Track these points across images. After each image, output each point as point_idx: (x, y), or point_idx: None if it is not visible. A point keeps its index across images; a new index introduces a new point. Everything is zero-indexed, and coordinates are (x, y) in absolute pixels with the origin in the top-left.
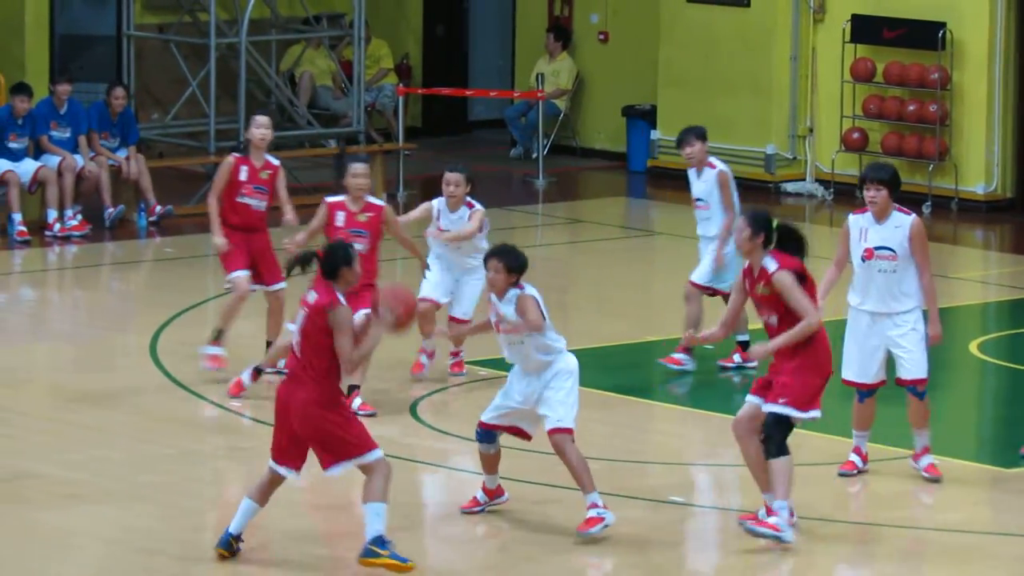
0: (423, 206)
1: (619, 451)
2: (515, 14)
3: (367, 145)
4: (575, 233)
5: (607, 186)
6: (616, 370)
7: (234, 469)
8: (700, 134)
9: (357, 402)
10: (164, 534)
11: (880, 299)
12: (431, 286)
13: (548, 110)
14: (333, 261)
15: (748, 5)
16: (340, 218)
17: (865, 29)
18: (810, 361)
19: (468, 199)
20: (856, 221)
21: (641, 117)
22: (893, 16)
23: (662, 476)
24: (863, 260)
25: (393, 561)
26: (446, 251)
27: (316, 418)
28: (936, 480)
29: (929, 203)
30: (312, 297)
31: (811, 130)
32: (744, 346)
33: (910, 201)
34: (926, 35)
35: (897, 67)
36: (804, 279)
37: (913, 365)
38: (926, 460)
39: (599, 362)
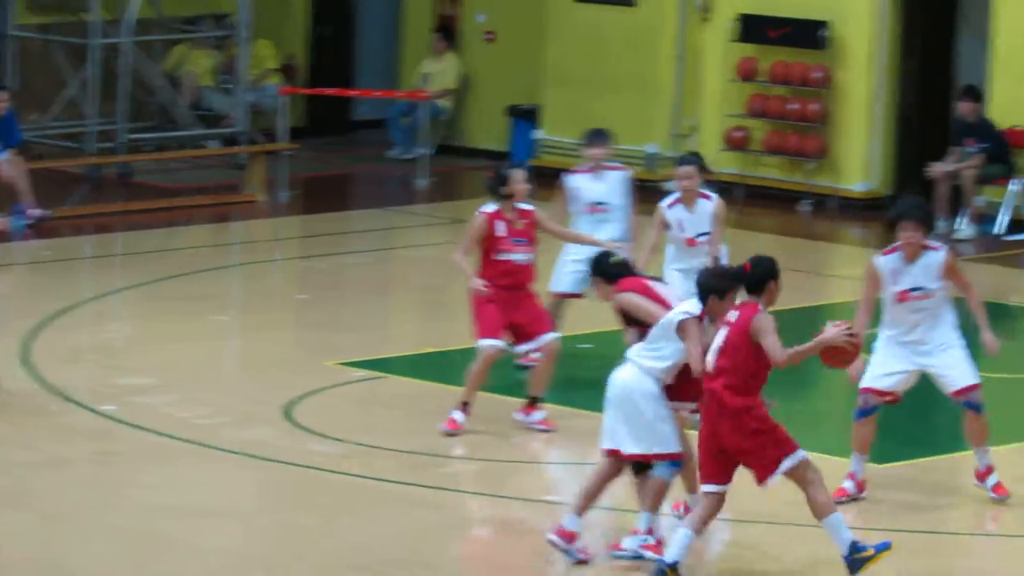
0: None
1: (495, 451)
2: (401, 14)
3: (249, 146)
4: (456, 233)
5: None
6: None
7: (102, 474)
8: (608, 136)
9: (540, 415)
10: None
11: (919, 333)
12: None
13: (433, 110)
14: (761, 275)
15: (635, 5)
16: (500, 228)
17: (751, 28)
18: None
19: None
20: (886, 263)
21: (524, 116)
22: (778, 15)
23: None
24: (898, 302)
25: (879, 553)
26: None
27: (750, 429)
28: (1003, 500)
29: (809, 201)
30: (735, 316)
31: (694, 129)
32: None
33: (790, 199)
34: (809, 34)
35: (781, 66)
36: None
37: (961, 373)
38: (992, 480)
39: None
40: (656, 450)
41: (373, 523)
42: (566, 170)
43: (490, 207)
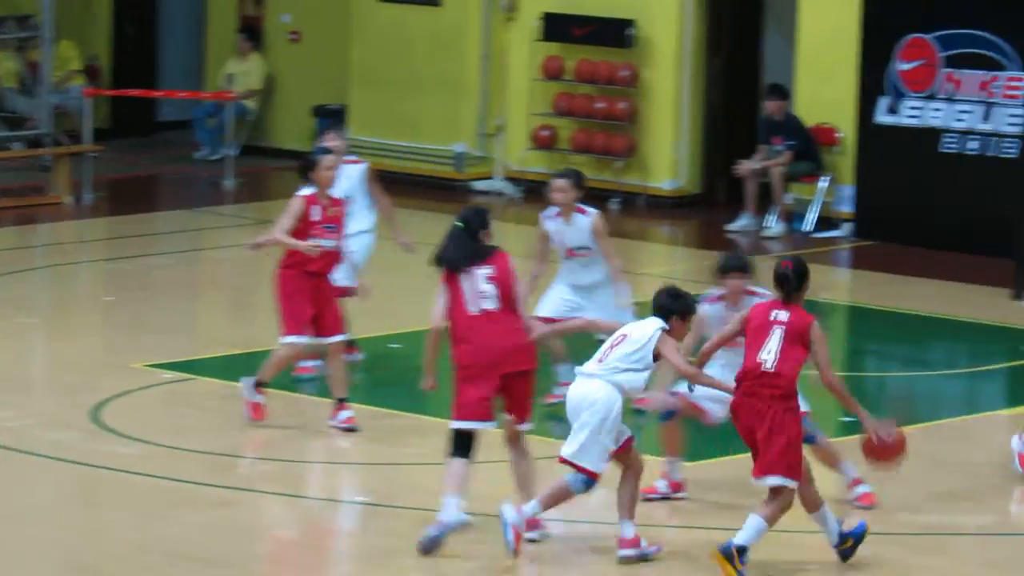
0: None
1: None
2: (206, 14)
3: (54, 147)
4: (264, 233)
5: (295, 185)
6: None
7: None
8: (344, 126)
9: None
10: None
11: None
12: None
13: (239, 111)
14: (803, 278)
15: (440, 4)
16: (315, 212)
17: (555, 27)
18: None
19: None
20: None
21: (331, 117)
22: (583, 14)
23: None
24: None
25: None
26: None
27: (792, 425)
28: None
29: (618, 199)
30: (784, 316)
31: (501, 128)
32: None
33: (599, 198)
34: (615, 33)
35: (587, 65)
36: None
37: None
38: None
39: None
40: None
41: (172, 523)
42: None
43: (307, 191)
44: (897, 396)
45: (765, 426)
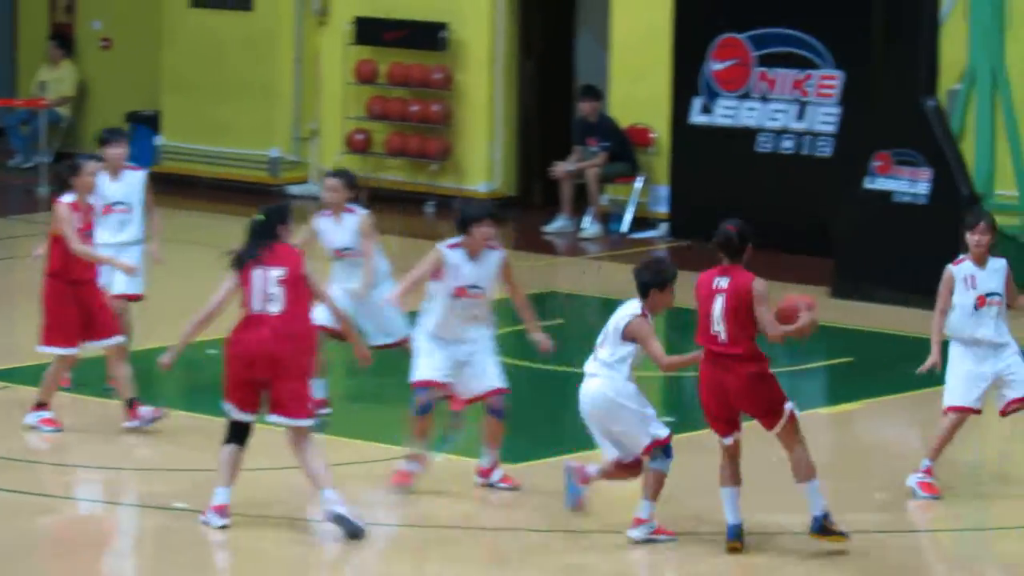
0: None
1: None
2: (16, 21)
3: None
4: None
5: None
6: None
7: None
8: (125, 134)
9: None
10: None
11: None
12: None
13: (52, 118)
14: (746, 241)
15: (251, 9)
16: (77, 219)
17: (367, 31)
18: None
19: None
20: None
21: (144, 123)
22: (394, 18)
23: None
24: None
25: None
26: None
27: (764, 390)
28: (514, 489)
29: (433, 202)
30: (725, 282)
31: (315, 132)
32: None
33: (414, 200)
34: (427, 36)
35: (400, 68)
36: None
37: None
38: (498, 474)
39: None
40: (646, 441)
41: None
42: (188, 176)
43: (68, 197)
44: None
45: (735, 395)
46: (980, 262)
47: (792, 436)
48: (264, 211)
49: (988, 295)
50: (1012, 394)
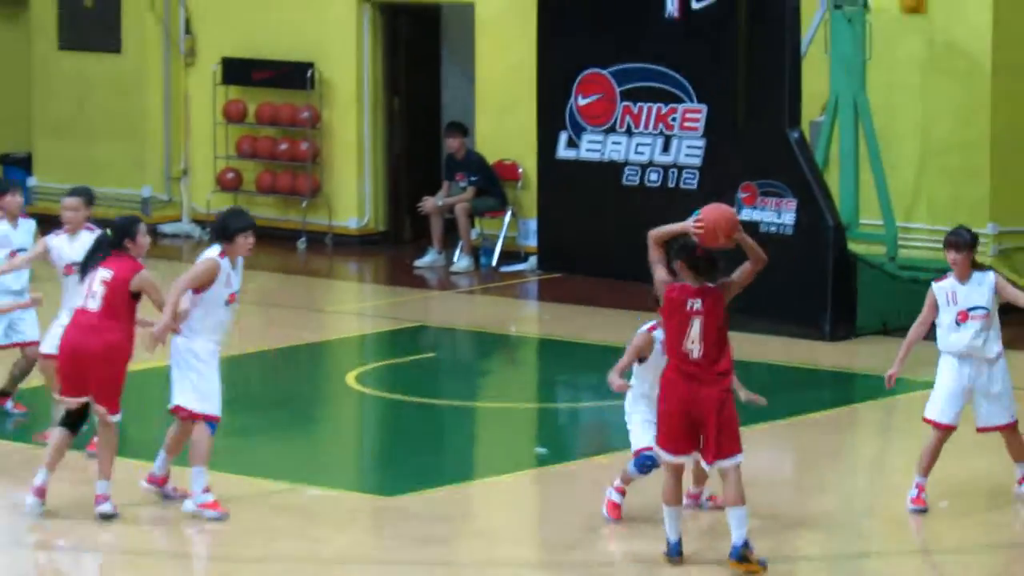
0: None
1: None
2: None
3: None
4: None
5: None
6: None
7: None
8: (18, 184)
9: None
10: None
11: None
12: None
13: None
14: (716, 262)
15: (120, 51)
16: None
17: (235, 71)
18: None
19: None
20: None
21: (17, 165)
22: (262, 58)
23: None
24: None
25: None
26: None
27: (729, 406)
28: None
29: (304, 238)
30: (700, 304)
31: (186, 171)
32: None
33: (287, 237)
34: (295, 76)
35: (268, 107)
36: None
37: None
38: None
39: None
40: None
41: None
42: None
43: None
44: (588, 425)
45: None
46: (961, 278)
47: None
48: (113, 225)
49: (970, 310)
50: (992, 420)
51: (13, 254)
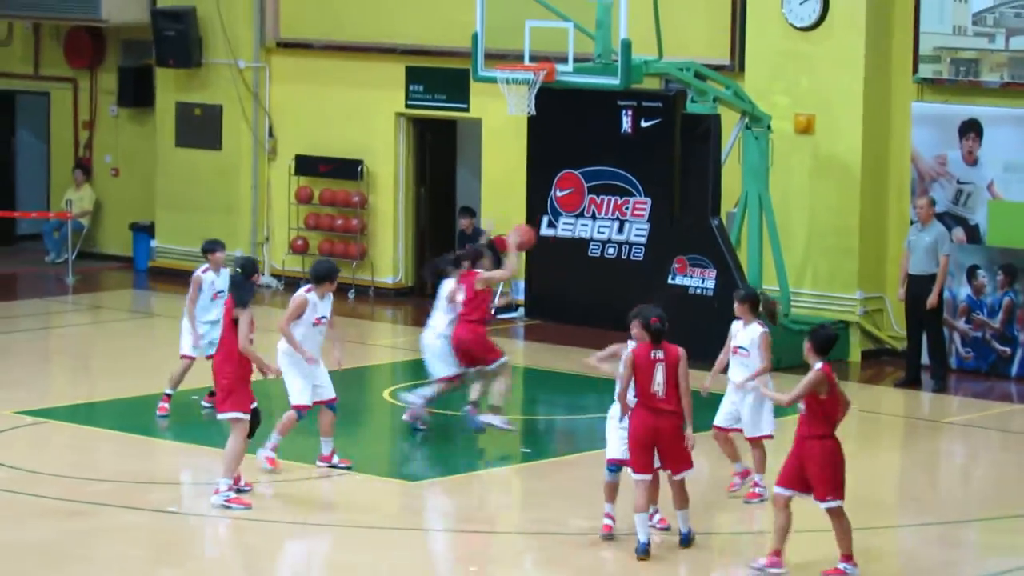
0: None
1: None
2: (50, 155)
3: None
4: (96, 316)
5: (119, 281)
6: (133, 415)
7: None
8: (220, 243)
9: None
10: None
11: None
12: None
13: (76, 226)
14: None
15: (221, 149)
16: None
17: (305, 165)
18: None
19: None
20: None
21: (143, 230)
22: (325, 156)
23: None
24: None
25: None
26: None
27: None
28: None
29: (353, 290)
30: (661, 354)
31: (268, 238)
32: None
33: (339, 290)
34: (349, 169)
35: (329, 192)
36: None
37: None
38: None
39: (127, 408)
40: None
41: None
42: (177, 269)
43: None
44: (561, 433)
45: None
46: (746, 320)
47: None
48: (240, 264)
49: (739, 347)
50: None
51: (216, 296)
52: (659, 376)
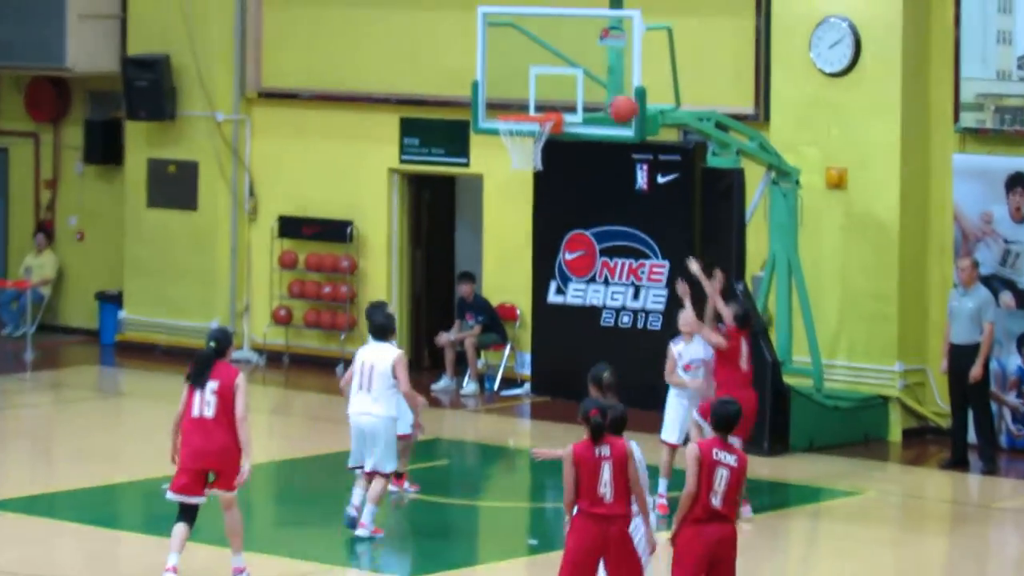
0: None
1: None
2: (7, 217)
3: None
4: (57, 395)
5: (83, 356)
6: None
7: None
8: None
9: None
10: None
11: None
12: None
13: (35, 296)
14: (617, 422)
15: (196, 209)
16: None
17: (289, 227)
18: None
19: None
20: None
21: (110, 300)
22: (311, 216)
23: None
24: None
25: None
26: None
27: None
28: None
29: (342, 365)
30: (608, 451)
31: (247, 308)
32: None
33: (327, 363)
34: (337, 231)
35: (315, 257)
36: None
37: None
38: None
39: (90, 498)
40: None
41: None
42: (146, 343)
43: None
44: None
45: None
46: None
47: None
48: (214, 337)
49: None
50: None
51: None
52: (606, 475)
